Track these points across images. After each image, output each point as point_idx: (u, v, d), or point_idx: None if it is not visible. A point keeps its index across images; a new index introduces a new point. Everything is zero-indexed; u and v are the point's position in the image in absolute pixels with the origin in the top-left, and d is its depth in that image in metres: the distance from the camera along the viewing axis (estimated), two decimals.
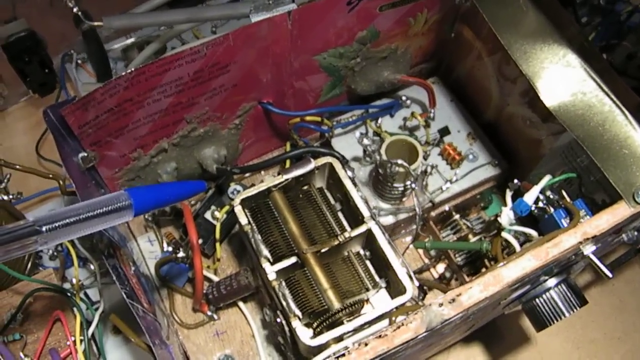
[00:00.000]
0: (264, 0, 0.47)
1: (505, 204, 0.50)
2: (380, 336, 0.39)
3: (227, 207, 0.55)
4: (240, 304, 0.56)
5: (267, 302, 0.53)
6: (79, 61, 0.68)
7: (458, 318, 0.41)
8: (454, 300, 0.40)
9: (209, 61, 0.49)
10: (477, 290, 0.41)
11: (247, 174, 0.61)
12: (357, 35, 0.54)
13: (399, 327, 0.39)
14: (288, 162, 0.57)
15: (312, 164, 0.51)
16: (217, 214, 0.56)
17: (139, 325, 0.41)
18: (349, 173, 0.52)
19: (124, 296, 0.41)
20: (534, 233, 0.48)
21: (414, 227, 0.58)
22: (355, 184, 0.51)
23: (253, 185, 0.53)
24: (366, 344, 0.39)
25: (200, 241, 0.55)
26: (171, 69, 0.48)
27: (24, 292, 0.49)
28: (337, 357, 0.39)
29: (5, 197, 0.55)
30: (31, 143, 0.68)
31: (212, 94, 0.52)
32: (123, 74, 0.46)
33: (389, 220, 0.56)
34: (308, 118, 0.55)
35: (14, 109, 0.70)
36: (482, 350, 0.64)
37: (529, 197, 0.47)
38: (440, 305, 0.40)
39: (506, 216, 0.48)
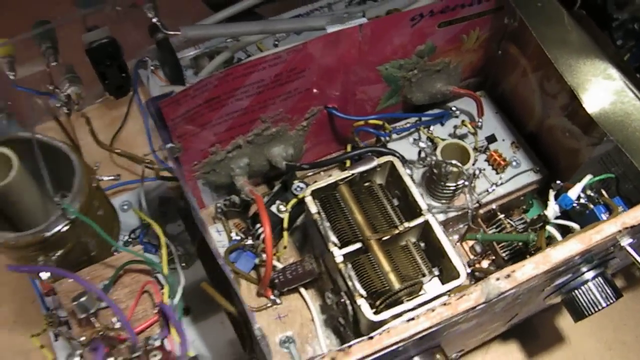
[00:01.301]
0: (340, 13, 0.54)
1: (546, 206, 0.55)
2: (445, 304, 0.44)
3: (294, 200, 0.60)
4: (302, 289, 0.61)
5: (330, 287, 0.58)
6: (152, 67, 0.74)
7: (511, 295, 0.46)
8: (509, 275, 0.46)
9: (288, 66, 0.55)
10: (530, 268, 0.46)
11: (309, 173, 0.67)
12: (416, 49, 0.60)
13: (462, 297, 0.44)
14: (349, 162, 0.63)
15: (376, 162, 0.57)
16: (282, 207, 0.62)
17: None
18: (408, 171, 0.57)
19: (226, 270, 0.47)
20: (576, 226, 0.53)
21: (461, 225, 0.64)
22: (413, 181, 0.57)
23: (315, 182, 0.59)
24: (433, 310, 0.44)
25: None
26: (255, 72, 0.54)
27: (114, 266, 0.54)
28: (408, 321, 0.44)
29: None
30: (105, 141, 0.74)
31: (286, 96, 0.58)
32: (215, 73, 0.53)
33: (439, 218, 0.61)
34: (372, 121, 0.61)
35: (89, 110, 0.77)
36: (518, 347, 0.69)
37: (573, 193, 0.53)
38: (498, 279, 0.45)
39: (552, 209, 0.53)
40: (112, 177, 0.61)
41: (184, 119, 0.54)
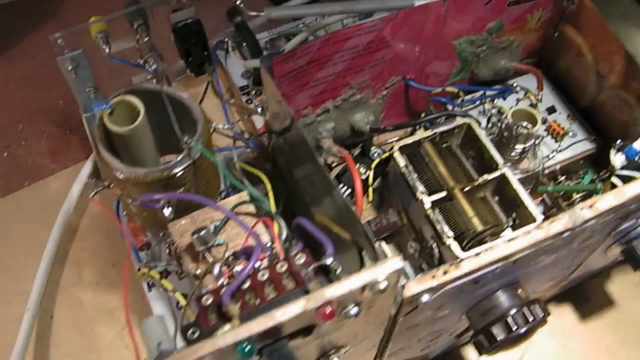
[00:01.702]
0: None
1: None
2: (538, 227, 0.50)
3: (384, 155, 0.67)
4: (383, 243, 0.67)
5: (412, 237, 0.64)
6: (231, 48, 0.81)
7: (590, 227, 0.52)
8: (592, 205, 0.52)
9: (379, 35, 0.62)
10: (610, 199, 0.52)
11: (389, 140, 0.73)
12: (487, 26, 0.67)
13: (553, 221, 0.50)
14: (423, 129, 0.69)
15: (455, 122, 0.64)
16: (362, 169, 0.68)
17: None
18: (483, 132, 0.64)
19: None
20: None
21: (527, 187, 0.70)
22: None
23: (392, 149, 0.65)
24: (529, 232, 0.50)
25: (349, 190, 0.66)
26: (352, 37, 0.61)
27: (222, 210, 0.59)
28: (509, 240, 0.49)
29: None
30: None
31: (374, 64, 0.64)
32: (320, 36, 0.59)
33: None
34: (448, 89, 0.68)
35: (174, 84, 0.82)
36: (571, 309, 0.74)
37: (638, 144, 0.59)
38: (582, 209, 0.51)
39: (618, 160, 0.59)
40: (228, 126, 0.66)
41: (288, 79, 0.61)
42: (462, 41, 0.67)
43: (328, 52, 0.61)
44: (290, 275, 0.43)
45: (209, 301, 0.40)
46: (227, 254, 0.54)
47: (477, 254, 0.49)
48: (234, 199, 0.59)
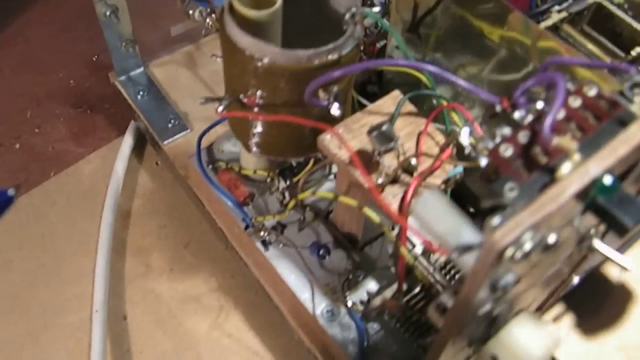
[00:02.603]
0: None
1: None
2: None
3: None
4: None
5: None
6: None
7: None
8: None
9: None
10: None
11: None
12: None
13: None
14: None
15: (586, 2, 0.56)
16: None
17: None
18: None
19: None
20: None
21: None
22: None
23: None
24: None
25: None
26: None
27: (379, 112, 0.46)
28: None
29: None
30: None
31: None
32: None
33: None
34: None
35: (209, 40, 0.71)
36: None
37: None
38: None
39: None
40: None
41: None
42: None
43: None
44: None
45: (509, 151, 0.29)
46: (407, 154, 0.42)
47: None
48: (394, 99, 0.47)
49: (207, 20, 0.62)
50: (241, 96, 0.43)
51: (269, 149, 0.48)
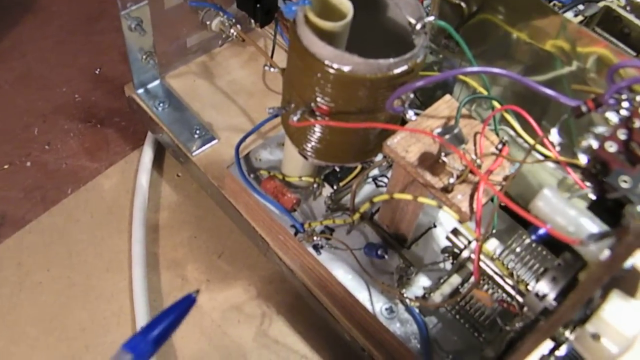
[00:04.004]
0: None
1: None
2: None
3: None
4: None
5: None
6: None
7: None
8: None
9: None
10: None
11: None
12: None
13: None
14: None
15: (597, 6, 0.60)
16: None
17: None
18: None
19: None
20: None
21: None
22: None
23: None
24: None
25: None
26: None
27: (436, 116, 0.48)
28: None
29: None
30: (250, 75, 0.69)
31: None
32: None
33: None
34: None
35: (221, 50, 0.71)
36: None
37: None
38: None
39: None
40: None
41: None
42: None
43: None
44: None
45: (613, 147, 0.32)
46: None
47: None
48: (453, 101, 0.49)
49: (232, 30, 0.63)
50: (312, 104, 0.44)
51: (328, 156, 0.49)
